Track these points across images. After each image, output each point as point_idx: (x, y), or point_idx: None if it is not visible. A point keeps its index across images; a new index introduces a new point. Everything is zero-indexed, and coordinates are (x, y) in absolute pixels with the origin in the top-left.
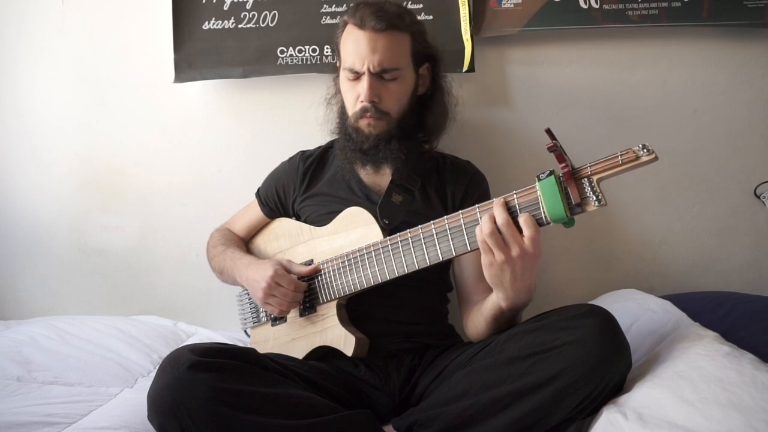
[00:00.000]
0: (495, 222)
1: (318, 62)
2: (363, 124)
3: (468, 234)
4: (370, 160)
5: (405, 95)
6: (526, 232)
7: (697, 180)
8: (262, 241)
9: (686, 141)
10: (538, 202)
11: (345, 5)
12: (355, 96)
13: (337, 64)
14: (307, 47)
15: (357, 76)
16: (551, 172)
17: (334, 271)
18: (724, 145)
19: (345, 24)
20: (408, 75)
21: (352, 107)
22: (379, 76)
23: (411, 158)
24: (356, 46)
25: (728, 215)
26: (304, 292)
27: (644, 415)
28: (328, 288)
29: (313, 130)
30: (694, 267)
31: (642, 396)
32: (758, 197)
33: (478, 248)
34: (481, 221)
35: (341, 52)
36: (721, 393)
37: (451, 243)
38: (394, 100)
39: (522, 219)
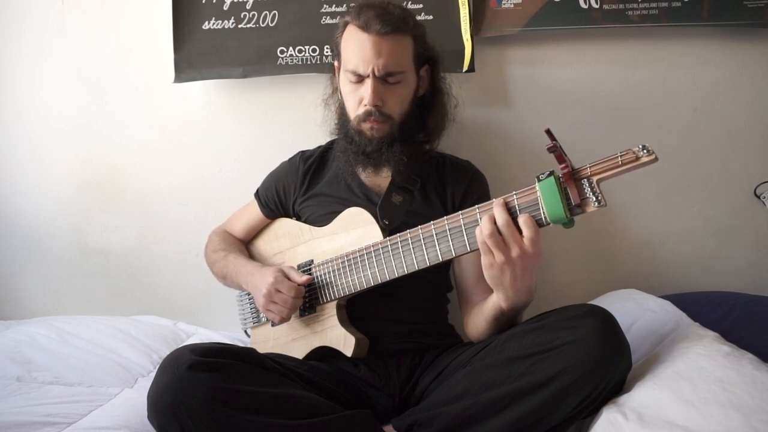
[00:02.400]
0: (495, 223)
1: (318, 62)
2: (366, 127)
3: (467, 235)
4: (372, 163)
5: (407, 98)
6: (526, 232)
7: (697, 180)
8: (262, 242)
9: (686, 141)
10: (538, 203)
11: (345, 5)
12: (358, 99)
13: (336, 64)
14: (307, 47)
15: (360, 78)
16: (551, 173)
17: (333, 271)
18: (724, 145)
19: (346, 24)
20: (410, 78)
21: (355, 110)
22: (382, 79)
23: (411, 159)
24: (360, 49)
25: (728, 215)
26: (303, 297)
27: (644, 415)
28: (327, 288)
29: (313, 130)
30: (694, 267)
31: (642, 396)
32: (758, 197)
33: (478, 249)
34: (481, 222)
35: (342, 53)
36: (721, 393)
37: (450, 244)
38: (397, 104)
39: (521, 220)
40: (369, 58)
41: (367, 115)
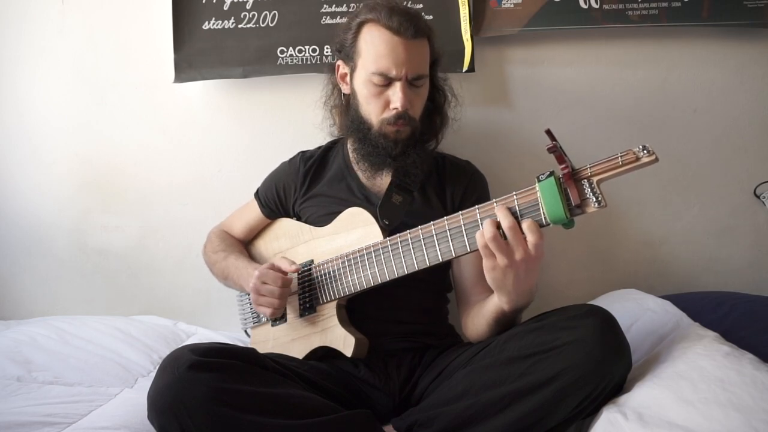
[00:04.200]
0: (497, 226)
1: (318, 62)
2: (391, 130)
3: (467, 235)
4: (397, 165)
5: (425, 100)
6: (530, 238)
7: (697, 180)
8: (262, 242)
9: (686, 141)
10: (538, 204)
11: (345, 5)
12: (384, 102)
13: (338, 65)
14: (307, 47)
15: (387, 81)
16: (551, 173)
17: (333, 271)
18: (724, 145)
19: (362, 24)
20: (428, 80)
21: (379, 114)
22: (410, 83)
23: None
24: (392, 52)
25: (728, 215)
26: (304, 290)
27: (644, 415)
28: (327, 288)
29: (313, 130)
30: (694, 267)
31: (642, 396)
32: (758, 197)
33: (478, 250)
34: (483, 226)
35: (363, 54)
36: (721, 393)
37: (450, 244)
38: (420, 106)
39: (525, 225)
40: (402, 62)
41: (396, 119)
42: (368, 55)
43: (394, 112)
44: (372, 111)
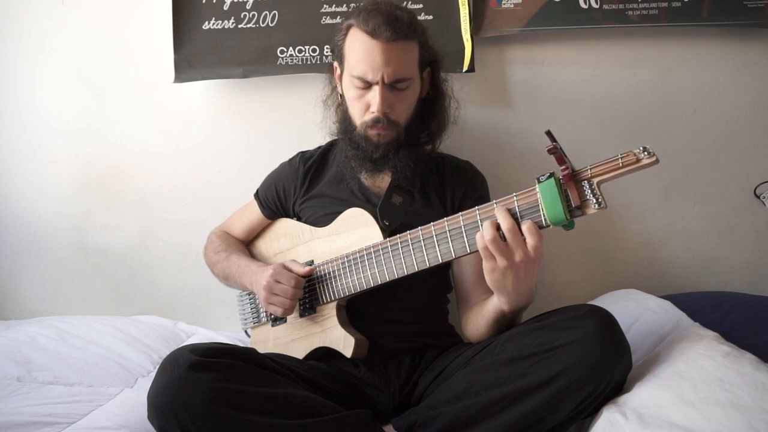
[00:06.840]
0: (497, 228)
1: (318, 62)
2: (372, 133)
3: (467, 236)
4: (378, 169)
5: (413, 103)
6: (530, 240)
7: (697, 180)
8: (262, 242)
9: (686, 141)
10: (538, 205)
11: (345, 5)
12: (364, 106)
13: (335, 65)
14: (307, 47)
15: (367, 85)
16: (551, 174)
17: (334, 272)
18: (724, 145)
19: (349, 27)
20: (416, 83)
21: (361, 116)
22: (390, 86)
23: (416, 162)
24: (368, 56)
25: (728, 215)
26: (304, 290)
27: (644, 415)
28: (327, 289)
29: (313, 130)
30: (694, 267)
31: (642, 396)
32: (758, 197)
33: (477, 251)
34: (483, 227)
35: (347, 58)
36: (721, 393)
37: (450, 245)
38: (404, 109)
39: (525, 227)
40: (378, 66)
41: (375, 122)
42: (350, 59)
43: (373, 115)
44: (355, 113)
